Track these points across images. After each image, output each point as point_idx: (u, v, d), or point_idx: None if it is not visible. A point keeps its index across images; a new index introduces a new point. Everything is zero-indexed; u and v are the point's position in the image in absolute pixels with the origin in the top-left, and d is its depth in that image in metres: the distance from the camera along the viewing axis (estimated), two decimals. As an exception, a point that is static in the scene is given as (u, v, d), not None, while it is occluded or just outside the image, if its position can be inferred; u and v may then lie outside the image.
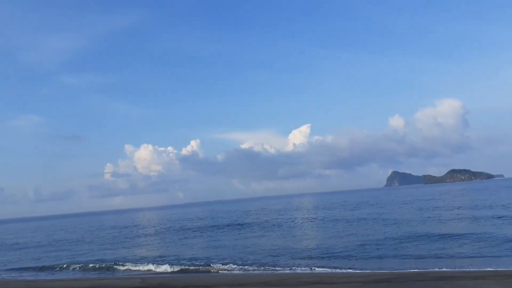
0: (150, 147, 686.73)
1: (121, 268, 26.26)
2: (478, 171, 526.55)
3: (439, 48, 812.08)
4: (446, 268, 18.11)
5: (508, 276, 14.14)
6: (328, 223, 45.29)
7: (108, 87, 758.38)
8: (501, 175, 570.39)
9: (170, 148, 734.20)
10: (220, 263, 24.00)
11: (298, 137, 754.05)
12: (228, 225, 54.03)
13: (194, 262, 25.67)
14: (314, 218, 55.11)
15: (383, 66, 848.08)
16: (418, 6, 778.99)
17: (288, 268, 21.61)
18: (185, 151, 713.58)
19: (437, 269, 18.12)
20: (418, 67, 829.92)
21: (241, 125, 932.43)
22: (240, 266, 23.12)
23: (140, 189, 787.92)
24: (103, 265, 27.35)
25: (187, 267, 24.40)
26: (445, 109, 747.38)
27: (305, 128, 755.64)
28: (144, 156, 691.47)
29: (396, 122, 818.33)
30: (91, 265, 27.76)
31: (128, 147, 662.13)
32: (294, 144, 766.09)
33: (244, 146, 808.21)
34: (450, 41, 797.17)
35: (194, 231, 48.82)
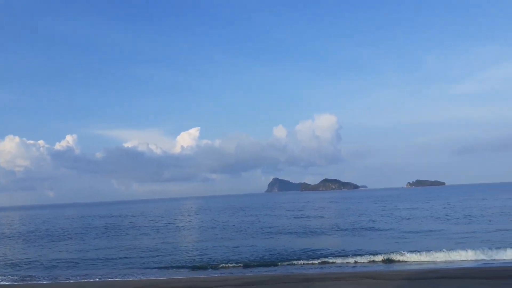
0: (16, 139, 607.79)
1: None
2: (347, 181, 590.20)
3: (321, 65, 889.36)
4: (310, 271, 19.51)
5: (363, 277, 15.70)
6: (207, 228, 45.28)
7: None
8: (365, 186, 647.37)
9: (41, 142, 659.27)
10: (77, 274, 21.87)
11: (187, 139, 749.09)
12: (104, 227, 50.35)
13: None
14: (194, 222, 54.68)
15: (272, 78, 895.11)
16: (308, 25, 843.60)
17: (160, 274, 20.81)
18: (59, 146, 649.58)
19: (302, 272, 19.37)
20: (302, 82, 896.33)
21: (125, 122, 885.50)
22: (107, 273, 21.46)
23: (1, 186, 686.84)
24: None
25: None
26: (322, 123, 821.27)
27: (194, 131, 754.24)
28: (8, 149, 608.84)
29: (280, 132, 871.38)
30: None
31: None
32: (182, 146, 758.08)
33: (128, 145, 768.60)
34: (330, 60, 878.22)
35: (60, 236, 44.19)
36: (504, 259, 20.45)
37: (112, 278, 20.26)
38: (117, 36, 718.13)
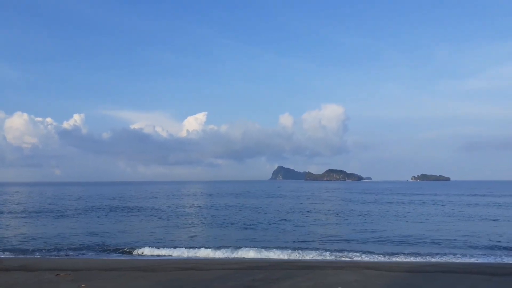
0: (25, 116, 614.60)
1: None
2: (351, 172, 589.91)
3: (330, 55, 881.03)
4: (309, 258, 19.68)
5: (363, 267, 15.75)
6: (213, 211, 45.68)
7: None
8: (370, 178, 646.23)
9: (49, 120, 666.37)
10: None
11: (193, 124, 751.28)
12: (111, 208, 50.95)
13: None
14: (200, 205, 55.15)
15: (280, 66, 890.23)
16: (317, 15, 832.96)
17: (162, 255, 21.12)
18: (67, 124, 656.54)
19: (303, 259, 19.51)
20: (310, 71, 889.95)
21: (133, 103, 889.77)
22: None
23: (7, 161, 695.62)
24: None
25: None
26: (329, 113, 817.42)
27: (201, 116, 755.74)
28: (16, 126, 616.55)
29: (286, 120, 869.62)
30: None
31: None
32: (188, 130, 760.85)
33: (134, 126, 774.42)
34: (339, 51, 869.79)
35: (67, 214, 44.88)
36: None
37: (107, 258, 20.60)
38: (127, 18, 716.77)
